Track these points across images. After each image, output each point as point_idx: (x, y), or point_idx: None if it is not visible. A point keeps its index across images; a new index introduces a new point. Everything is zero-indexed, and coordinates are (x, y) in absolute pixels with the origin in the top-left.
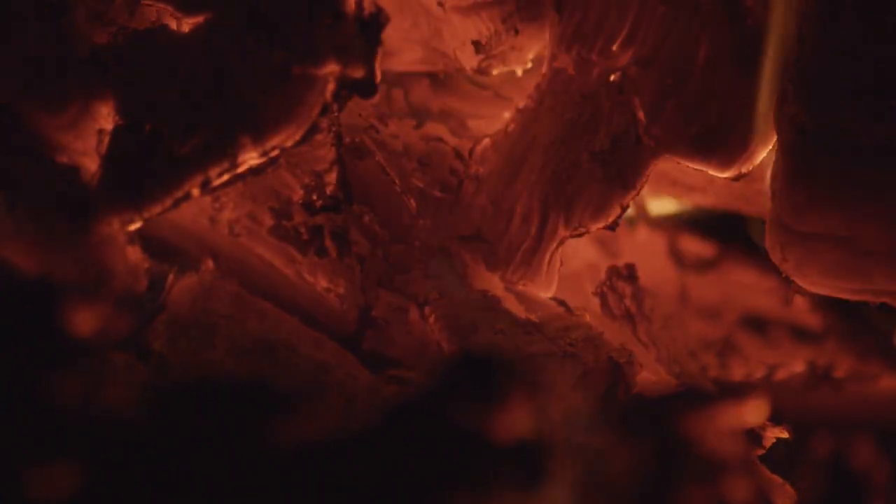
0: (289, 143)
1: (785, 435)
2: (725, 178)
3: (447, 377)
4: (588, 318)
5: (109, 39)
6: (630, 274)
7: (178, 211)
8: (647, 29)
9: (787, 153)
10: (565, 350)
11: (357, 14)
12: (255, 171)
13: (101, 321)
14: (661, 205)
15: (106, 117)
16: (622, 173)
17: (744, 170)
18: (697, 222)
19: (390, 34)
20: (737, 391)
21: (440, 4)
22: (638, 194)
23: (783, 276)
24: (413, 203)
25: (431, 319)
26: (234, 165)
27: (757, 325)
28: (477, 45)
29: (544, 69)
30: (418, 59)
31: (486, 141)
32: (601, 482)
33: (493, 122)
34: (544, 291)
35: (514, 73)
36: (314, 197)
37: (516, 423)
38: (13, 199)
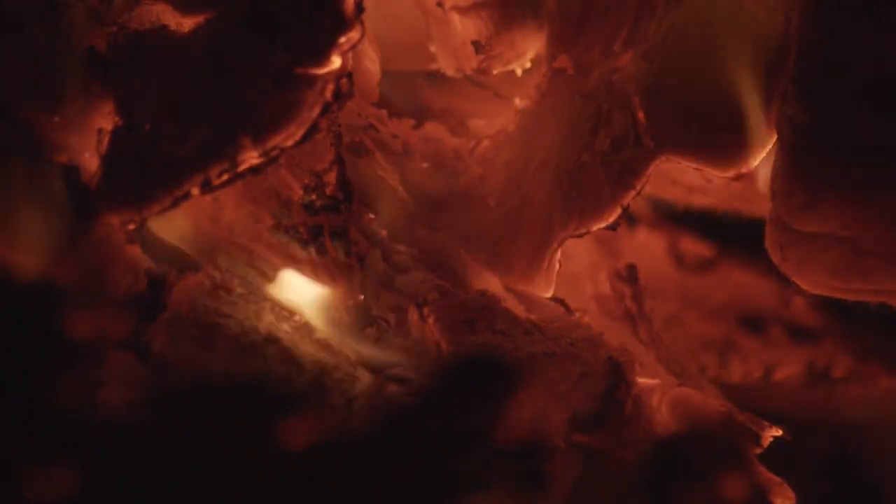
0: (289, 143)
1: (783, 434)
2: (725, 178)
3: (447, 377)
4: (587, 318)
5: (109, 39)
6: (630, 274)
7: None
8: (647, 29)
9: (787, 153)
10: (565, 350)
11: (357, 14)
12: (254, 171)
13: (101, 321)
14: (661, 205)
15: (106, 117)
16: (622, 174)
17: (743, 170)
18: (697, 222)
19: (390, 34)
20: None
21: (440, 4)
22: (638, 194)
23: (783, 276)
24: (413, 203)
25: (431, 319)
26: (234, 165)
27: (756, 325)
28: (477, 45)
29: (544, 69)
30: (418, 59)
31: (486, 141)
32: (601, 482)
33: (493, 122)
34: (544, 292)
35: (514, 73)
36: (314, 197)
37: (516, 423)
38: (13, 199)
